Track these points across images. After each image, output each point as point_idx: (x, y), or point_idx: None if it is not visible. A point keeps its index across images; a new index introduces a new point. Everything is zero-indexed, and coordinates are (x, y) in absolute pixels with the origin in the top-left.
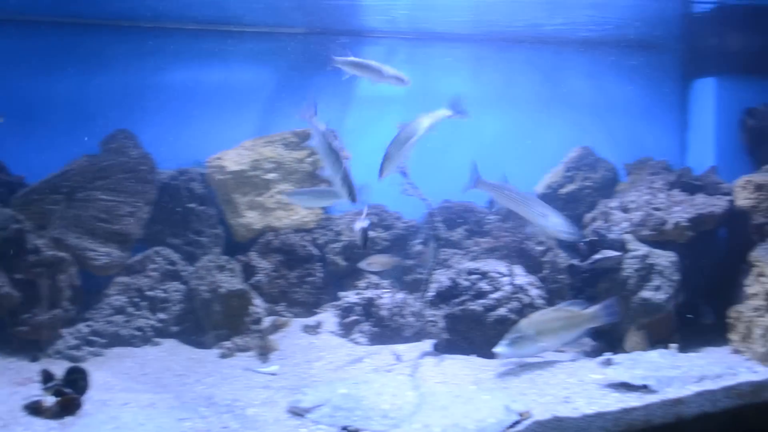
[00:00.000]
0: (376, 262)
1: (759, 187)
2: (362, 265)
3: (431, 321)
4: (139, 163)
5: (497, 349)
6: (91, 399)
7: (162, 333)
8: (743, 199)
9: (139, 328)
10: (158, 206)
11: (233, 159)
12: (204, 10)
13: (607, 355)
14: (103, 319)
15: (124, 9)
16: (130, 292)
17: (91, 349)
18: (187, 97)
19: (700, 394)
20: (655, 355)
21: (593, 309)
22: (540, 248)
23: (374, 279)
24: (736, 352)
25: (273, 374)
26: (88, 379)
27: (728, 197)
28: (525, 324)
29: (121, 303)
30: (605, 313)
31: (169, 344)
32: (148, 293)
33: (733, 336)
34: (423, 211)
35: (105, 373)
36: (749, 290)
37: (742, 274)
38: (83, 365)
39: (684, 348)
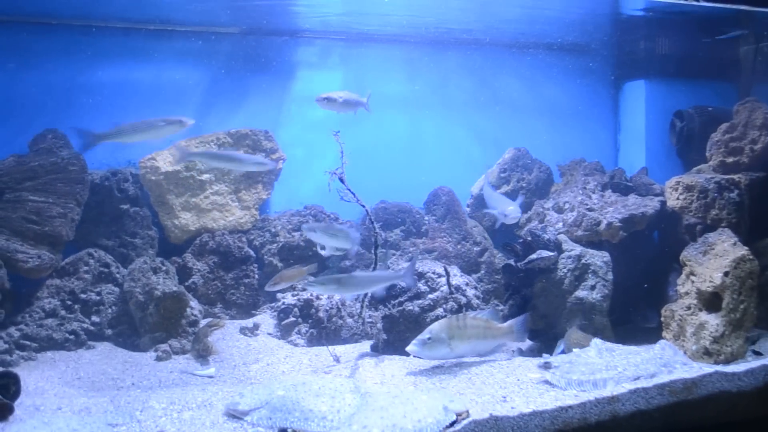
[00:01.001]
0: (283, 278)
1: (689, 188)
2: (269, 287)
3: (369, 322)
4: (69, 164)
5: (409, 348)
6: (22, 404)
7: (96, 336)
8: (674, 199)
9: (72, 332)
10: (90, 207)
11: (167, 159)
12: (136, 9)
13: (546, 357)
14: (34, 322)
15: (54, 6)
16: (62, 294)
17: (23, 353)
18: (119, 96)
19: (634, 392)
20: (593, 353)
21: (509, 324)
22: (477, 249)
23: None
24: None
25: (210, 377)
26: (20, 384)
27: (660, 198)
28: (438, 327)
29: (53, 306)
30: (519, 329)
31: (104, 347)
32: (81, 296)
33: (666, 334)
34: (361, 212)
35: (37, 378)
36: (681, 289)
37: (674, 273)
38: (14, 370)
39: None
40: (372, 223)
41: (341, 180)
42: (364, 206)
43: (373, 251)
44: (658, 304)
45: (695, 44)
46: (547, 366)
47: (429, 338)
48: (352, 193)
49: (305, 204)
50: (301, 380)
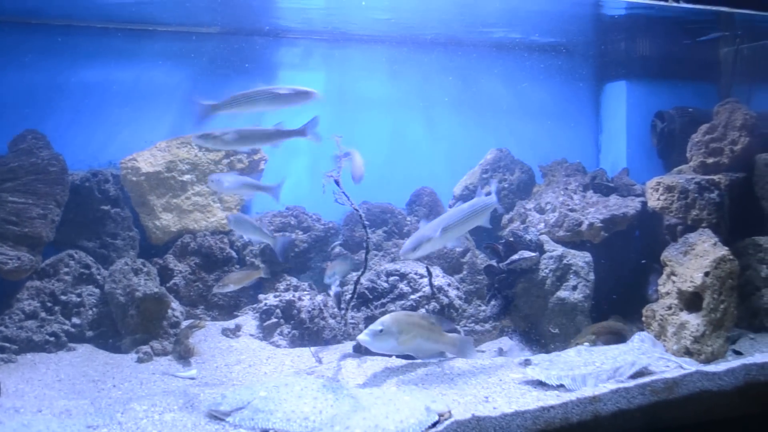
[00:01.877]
0: (231, 281)
1: (669, 189)
2: (217, 288)
3: (352, 323)
4: (49, 164)
5: (360, 337)
6: (2, 407)
7: (77, 338)
8: (655, 200)
9: (52, 334)
10: (70, 208)
11: (147, 160)
12: (116, 9)
13: (527, 355)
14: (14, 324)
15: (34, 6)
16: (42, 296)
17: (2, 355)
18: (100, 96)
19: (615, 392)
20: (572, 353)
21: (452, 337)
22: (459, 249)
23: (294, 281)
24: None
25: (192, 378)
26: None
27: (641, 199)
28: (390, 320)
29: (33, 308)
30: (461, 346)
31: (85, 349)
32: (62, 297)
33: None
34: (344, 213)
35: (17, 380)
36: (662, 289)
37: (654, 273)
38: None
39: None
40: (365, 228)
41: (336, 182)
42: (357, 210)
43: (364, 255)
44: (638, 303)
45: (676, 45)
46: (527, 363)
47: (381, 330)
48: (347, 196)
49: (287, 205)
50: (283, 381)
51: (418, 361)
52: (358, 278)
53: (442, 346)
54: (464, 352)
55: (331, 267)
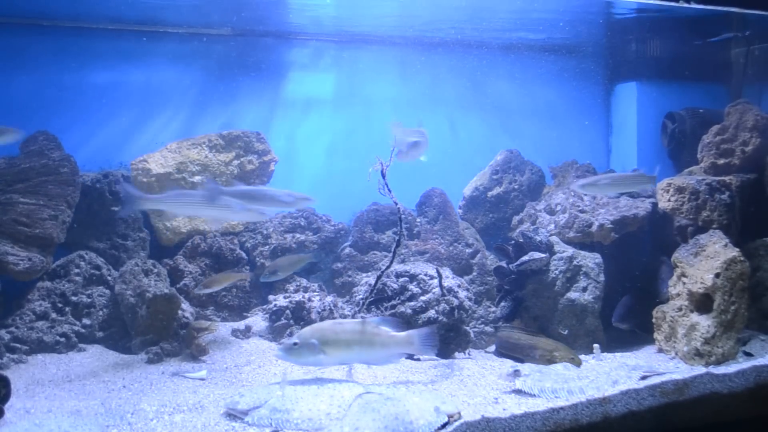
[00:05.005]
0: (215, 282)
1: (680, 190)
2: (198, 290)
3: None
4: (60, 165)
5: (275, 353)
6: (13, 407)
7: (87, 339)
8: (665, 201)
9: (63, 334)
10: (81, 209)
11: (158, 161)
12: (126, 10)
13: (515, 366)
14: (25, 325)
15: (44, 7)
16: (53, 297)
17: (13, 356)
18: (110, 98)
19: (626, 393)
20: (559, 368)
21: (407, 334)
22: (469, 251)
23: (304, 282)
24: (661, 351)
25: (201, 379)
26: (10, 387)
27: (651, 200)
28: (309, 332)
29: (44, 308)
30: (421, 342)
31: (95, 350)
32: (72, 298)
33: (658, 335)
34: (353, 213)
35: (28, 381)
36: (672, 290)
37: (665, 266)
38: (5, 373)
39: (611, 348)
40: (400, 227)
41: (382, 174)
42: (396, 203)
43: (392, 251)
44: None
45: (686, 46)
46: (516, 374)
47: (295, 344)
48: (389, 189)
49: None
50: (298, 381)
51: (428, 362)
52: (377, 281)
53: (394, 347)
54: (424, 348)
55: (274, 265)
